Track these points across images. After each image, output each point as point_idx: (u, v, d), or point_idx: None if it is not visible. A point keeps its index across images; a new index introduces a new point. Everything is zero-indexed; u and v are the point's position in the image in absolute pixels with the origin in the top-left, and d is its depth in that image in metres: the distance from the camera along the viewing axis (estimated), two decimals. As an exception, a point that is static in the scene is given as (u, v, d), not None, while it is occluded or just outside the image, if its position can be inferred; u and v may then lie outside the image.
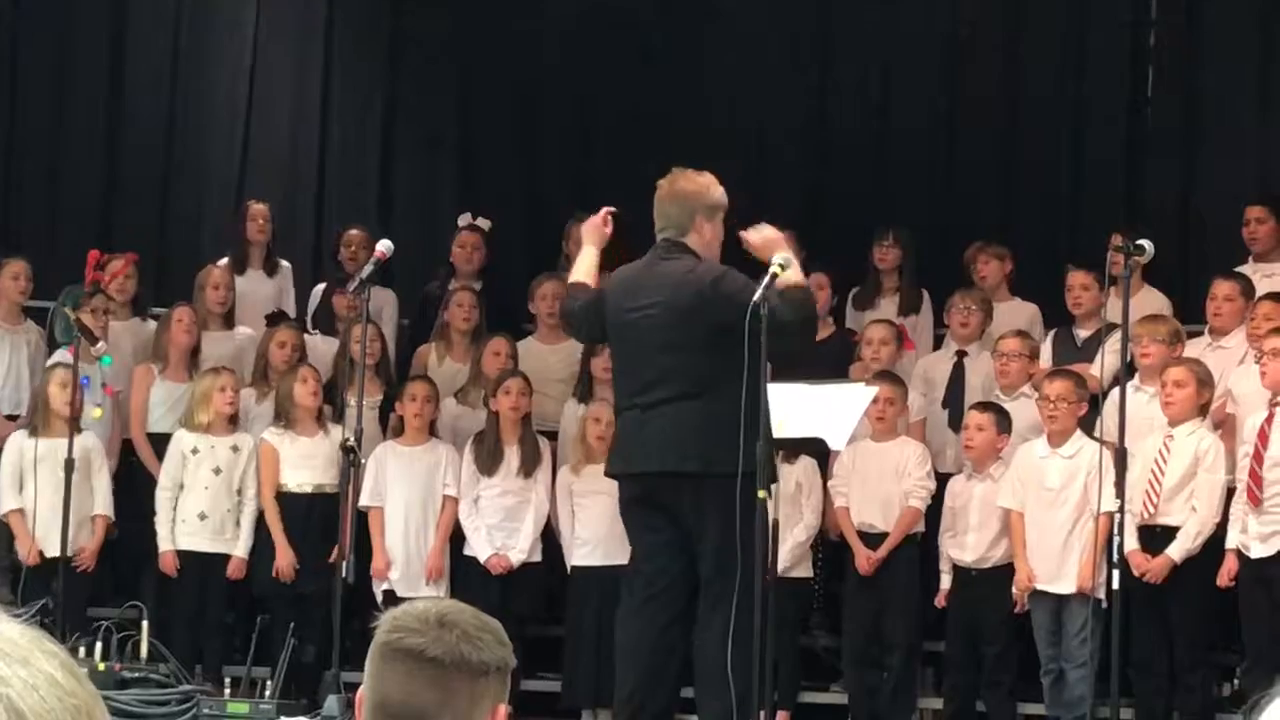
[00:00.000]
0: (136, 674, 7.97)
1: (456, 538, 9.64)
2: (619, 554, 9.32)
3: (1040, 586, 8.87)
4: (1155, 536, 8.67)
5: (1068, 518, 8.85)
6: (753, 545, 6.86)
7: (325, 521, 9.29)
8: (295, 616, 9.04)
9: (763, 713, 7.14)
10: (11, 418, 10.20)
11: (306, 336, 10.36)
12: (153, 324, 10.53)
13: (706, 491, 7.07)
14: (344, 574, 7.91)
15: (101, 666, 7.83)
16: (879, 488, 9.31)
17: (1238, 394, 9.06)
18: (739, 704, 6.98)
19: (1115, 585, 7.56)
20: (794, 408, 7.48)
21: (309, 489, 9.57)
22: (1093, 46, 11.85)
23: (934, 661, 9.59)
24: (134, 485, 9.99)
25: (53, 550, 9.27)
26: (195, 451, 9.62)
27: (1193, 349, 9.23)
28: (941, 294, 10.39)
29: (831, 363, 9.54)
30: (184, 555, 9.57)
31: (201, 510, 9.58)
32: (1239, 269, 9.87)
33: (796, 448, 8.88)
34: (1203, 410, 8.78)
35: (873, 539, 9.25)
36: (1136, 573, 8.49)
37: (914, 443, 9.46)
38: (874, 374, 9.38)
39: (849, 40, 12.10)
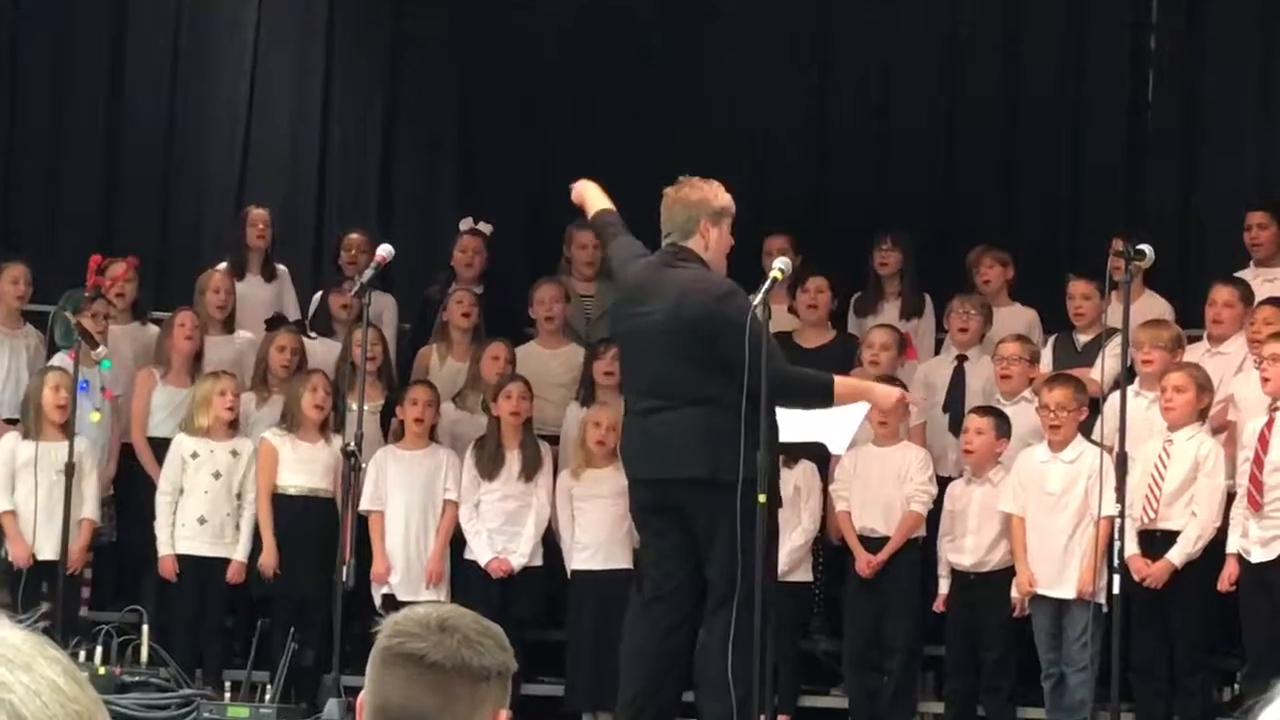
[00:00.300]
0: (137, 678, 7.97)
1: (457, 542, 9.64)
2: (619, 558, 9.35)
3: (1041, 591, 8.87)
4: (1155, 541, 8.68)
5: (1068, 522, 8.85)
6: (753, 550, 6.86)
7: (318, 525, 9.30)
8: (295, 620, 9.04)
9: (763, 717, 7.14)
10: (11, 421, 10.19)
11: (306, 341, 10.35)
12: (152, 328, 10.53)
13: (715, 498, 7.07)
14: (344, 578, 7.90)
15: (102, 671, 7.83)
16: (881, 492, 9.31)
17: (1238, 399, 9.06)
18: (739, 708, 6.98)
19: (1116, 590, 7.56)
20: (795, 413, 7.49)
21: (304, 492, 9.57)
22: (1093, 49, 11.85)
23: (934, 666, 9.59)
24: (135, 490, 9.99)
25: (44, 554, 9.27)
26: (195, 456, 9.62)
27: (1192, 354, 9.23)
28: (941, 298, 10.39)
29: (832, 368, 9.52)
30: (183, 559, 9.57)
31: (201, 514, 9.58)
32: (1239, 274, 9.86)
33: (797, 453, 8.88)
34: (1202, 415, 8.79)
35: (874, 543, 9.25)
36: (1137, 578, 8.49)
37: (916, 447, 9.46)
38: (877, 379, 9.37)
39: (849, 43, 12.09)
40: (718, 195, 7.47)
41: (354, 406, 8.32)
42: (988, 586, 9.08)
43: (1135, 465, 8.17)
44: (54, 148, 12.14)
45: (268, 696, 8.16)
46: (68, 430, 9.22)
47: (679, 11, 12.10)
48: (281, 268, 11.09)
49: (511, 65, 12.12)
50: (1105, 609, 8.02)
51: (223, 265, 10.78)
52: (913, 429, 9.62)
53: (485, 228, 11.00)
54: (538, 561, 9.57)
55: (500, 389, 9.61)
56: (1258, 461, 8.46)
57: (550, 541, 9.60)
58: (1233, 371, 9.28)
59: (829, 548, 9.63)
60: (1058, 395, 8.91)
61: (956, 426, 9.66)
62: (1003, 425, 9.15)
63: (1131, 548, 8.43)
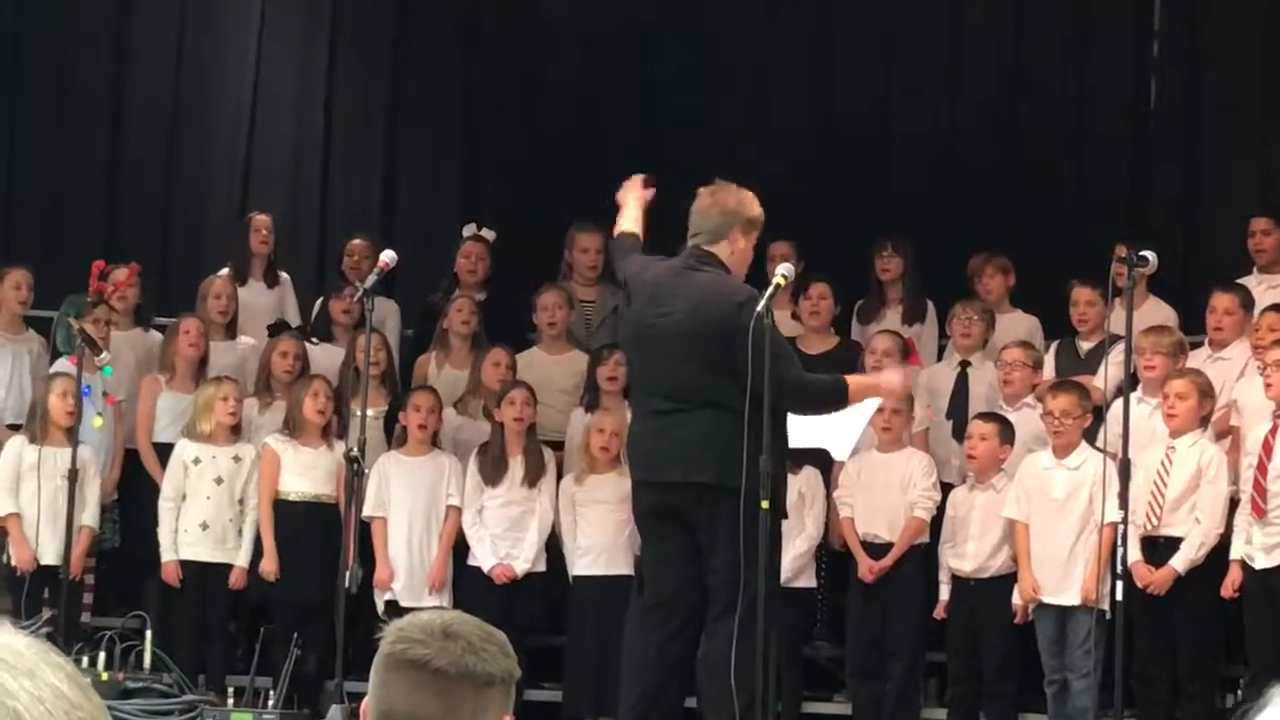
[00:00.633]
0: (140, 684, 7.97)
1: (460, 548, 9.64)
2: (621, 563, 9.35)
3: (1045, 598, 8.86)
4: (1158, 548, 8.67)
5: (1072, 529, 8.85)
6: (756, 557, 6.86)
7: (321, 531, 9.30)
8: (298, 626, 9.04)
9: (766, 723, 7.14)
10: (14, 427, 10.19)
11: (308, 346, 10.35)
12: (155, 334, 10.53)
13: (720, 503, 7.07)
14: (347, 584, 7.90)
15: (105, 677, 7.83)
16: (884, 498, 9.30)
17: (1242, 405, 9.06)
18: (742, 715, 6.98)
19: (1119, 596, 7.55)
20: (800, 419, 7.49)
21: (306, 498, 9.57)
22: (1096, 55, 11.85)
23: (937, 672, 9.58)
24: (138, 495, 9.99)
25: (47, 558, 9.28)
26: (197, 461, 9.63)
27: (1193, 360, 9.23)
28: (944, 304, 10.39)
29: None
30: (186, 565, 9.57)
31: (203, 520, 9.58)
32: (1242, 280, 9.86)
33: (801, 459, 8.87)
34: (1204, 422, 8.79)
35: (877, 550, 9.25)
36: (1140, 585, 8.48)
37: (920, 453, 9.45)
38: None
39: (851, 52, 12.09)
40: (753, 205, 7.51)
41: (357, 412, 8.32)
42: (988, 592, 9.08)
43: (1138, 472, 8.17)
44: (57, 153, 12.14)
45: (270, 702, 8.16)
46: (73, 436, 9.24)
47: (682, 16, 12.10)
48: (284, 275, 11.09)
49: (515, 71, 12.13)
50: (1108, 615, 8.01)
51: (225, 271, 10.78)
52: (916, 435, 9.62)
53: (489, 233, 11.00)
54: (541, 567, 9.57)
55: (504, 395, 9.61)
56: (1261, 468, 8.45)
57: (554, 547, 9.60)
58: (1234, 377, 9.28)
59: (832, 554, 9.63)
60: (1062, 402, 8.90)
61: (959, 432, 9.66)
62: (1006, 431, 9.15)
63: (1134, 554, 8.43)
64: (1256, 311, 9.44)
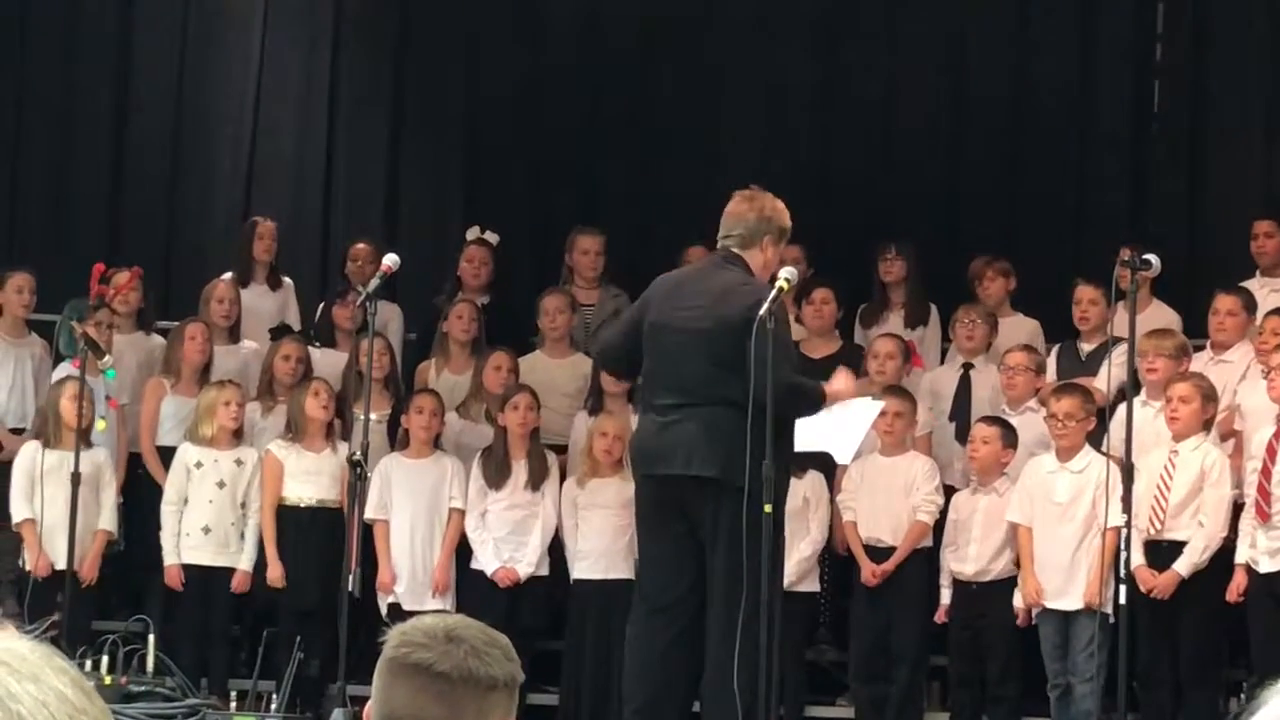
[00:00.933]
0: (143, 687, 7.97)
1: (463, 551, 9.64)
2: (620, 567, 9.36)
3: (1048, 602, 8.86)
4: (1162, 552, 8.66)
5: (1076, 533, 8.84)
6: (759, 559, 6.85)
7: (326, 536, 9.29)
8: (301, 630, 9.03)
9: (769, 727, 7.13)
10: (16, 431, 10.19)
11: (313, 352, 10.35)
12: (156, 338, 10.52)
13: (722, 501, 7.06)
14: (350, 587, 7.90)
15: (108, 680, 7.83)
16: (887, 502, 9.30)
17: (1246, 409, 9.06)
18: (745, 718, 6.97)
19: (1122, 600, 7.55)
20: (802, 422, 7.49)
21: (311, 503, 9.57)
22: (1098, 59, 11.85)
23: (940, 676, 9.58)
24: (141, 499, 9.99)
25: (62, 564, 9.27)
26: (199, 465, 9.62)
27: (1195, 363, 9.25)
28: (947, 307, 10.39)
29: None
30: (188, 569, 9.56)
31: (205, 524, 9.58)
32: (1245, 283, 9.86)
33: (805, 462, 8.87)
34: (1207, 425, 8.79)
35: (881, 553, 9.24)
36: (1144, 589, 8.48)
37: (923, 457, 9.45)
38: (884, 388, 9.37)
39: (853, 54, 12.09)
40: (786, 216, 7.58)
41: (360, 416, 8.32)
42: (990, 596, 9.07)
43: (1141, 475, 8.17)
44: (60, 157, 12.14)
45: (273, 706, 8.16)
46: (85, 439, 9.30)
47: (686, 19, 12.10)
48: (287, 280, 11.09)
49: (517, 74, 12.13)
50: (1112, 619, 8.01)
51: (228, 275, 10.77)
52: (919, 439, 9.62)
53: (492, 237, 11.00)
54: (544, 571, 9.56)
55: (507, 399, 9.61)
56: (1265, 472, 8.45)
57: (557, 551, 9.60)
58: (1236, 380, 9.28)
59: (835, 558, 9.62)
60: (1065, 405, 8.90)
61: (962, 436, 9.66)
62: (1009, 435, 9.15)
63: (1138, 558, 8.43)
64: (1260, 315, 9.44)
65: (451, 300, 10.68)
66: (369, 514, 9.22)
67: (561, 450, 9.91)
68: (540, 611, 9.65)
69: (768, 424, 6.83)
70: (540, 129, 12.19)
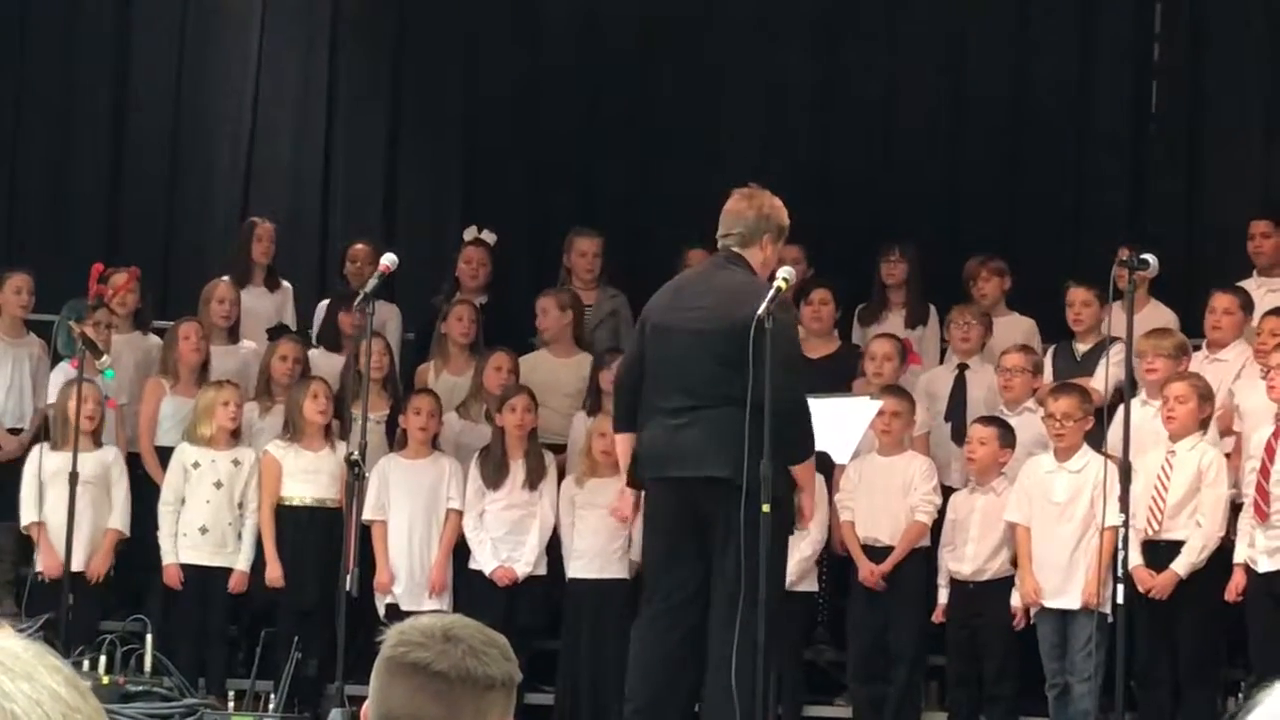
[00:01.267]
0: (141, 687, 7.97)
1: (461, 552, 9.64)
2: (615, 568, 9.37)
3: (1046, 602, 8.86)
4: (1160, 551, 8.66)
5: (1074, 532, 8.84)
6: (756, 559, 6.85)
7: (324, 536, 9.29)
8: (299, 630, 9.03)
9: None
10: (14, 431, 10.20)
11: (310, 352, 10.35)
12: (153, 338, 10.53)
13: (733, 502, 7.05)
14: (348, 587, 7.90)
15: (106, 680, 7.83)
16: (885, 502, 9.30)
17: (1244, 409, 9.06)
18: (743, 718, 6.97)
19: (1120, 600, 7.55)
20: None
21: (310, 502, 9.57)
22: (1097, 59, 11.85)
23: (938, 675, 9.58)
24: (140, 499, 9.99)
25: (74, 565, 9.27)
26: (196, 465, 9.62)
27: (1191, 362, 9.24)
28: (946, 307, 10.39)
29: (837, 378, 9.54)
30: (186, 569, 9.57)
31: (202, 524, 9.58)
32: (1242, 283, 9.86)
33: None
34: (1204, 425, 8.79)
35: (878, 553, 9.24)
36: (1142, 589, 8.48)
37: (920, 457, 9.45)
38: (881, 388, 9.37)
39: (852, 53, 12.09)
40: (784, 214, 7.54)
41: (359, 416, 8.31)
42: (988, 595, 9.07)
43: (1139, 475, 8.16)
44: (58, 158, 12.15)
45: (271, 706, 8.16)
46: (95, 440, 9.36)
47: (685, 19, 12.10)
48: (286, 284, 11.09)
49: (515, 74, 12.13)
50: (1110, 619, 8.01)
51: (225, 277, 10.76)
52: (916, 438, 9.61)
53: (489, 236, 11.00)
54: (542, 570, 9.57)
55: (505, 400, 9.60)
56: (1264, 472, 8.45)
57: (555, 551, 9.60)
58: (1231, 379, 9.29)
59: (833, 558, 9.62)
60: (1063, 404, 8.90)
61: (958, 435, 9.66)
62: (1006, 435, 9.15)
63: (1136, 558, 8.43)
64: (1257, 315, 9.45)
65: (449, 300, 10.68)
66: (367, 514, 9.22)
67: (562, 449, 9.91)
68: (538, 611, 9.65)
69: (765, 422, 6.82)
70: (538, 129, 12.19)
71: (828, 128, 12.14)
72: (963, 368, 10.02)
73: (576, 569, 9.49)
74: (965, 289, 10.42)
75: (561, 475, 9.71)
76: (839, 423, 7.86)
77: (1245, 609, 8.56)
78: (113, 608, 9.93)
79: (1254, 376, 9.10)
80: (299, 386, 9.72)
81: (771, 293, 6.99)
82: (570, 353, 10.33)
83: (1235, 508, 8.70)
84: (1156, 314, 9.74)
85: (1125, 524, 7.60)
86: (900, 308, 10.60)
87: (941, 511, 9.31)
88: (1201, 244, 11.42)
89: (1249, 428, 8.91)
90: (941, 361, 10.39)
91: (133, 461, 10.07)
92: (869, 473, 9.34)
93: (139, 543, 9.83)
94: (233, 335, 10.52)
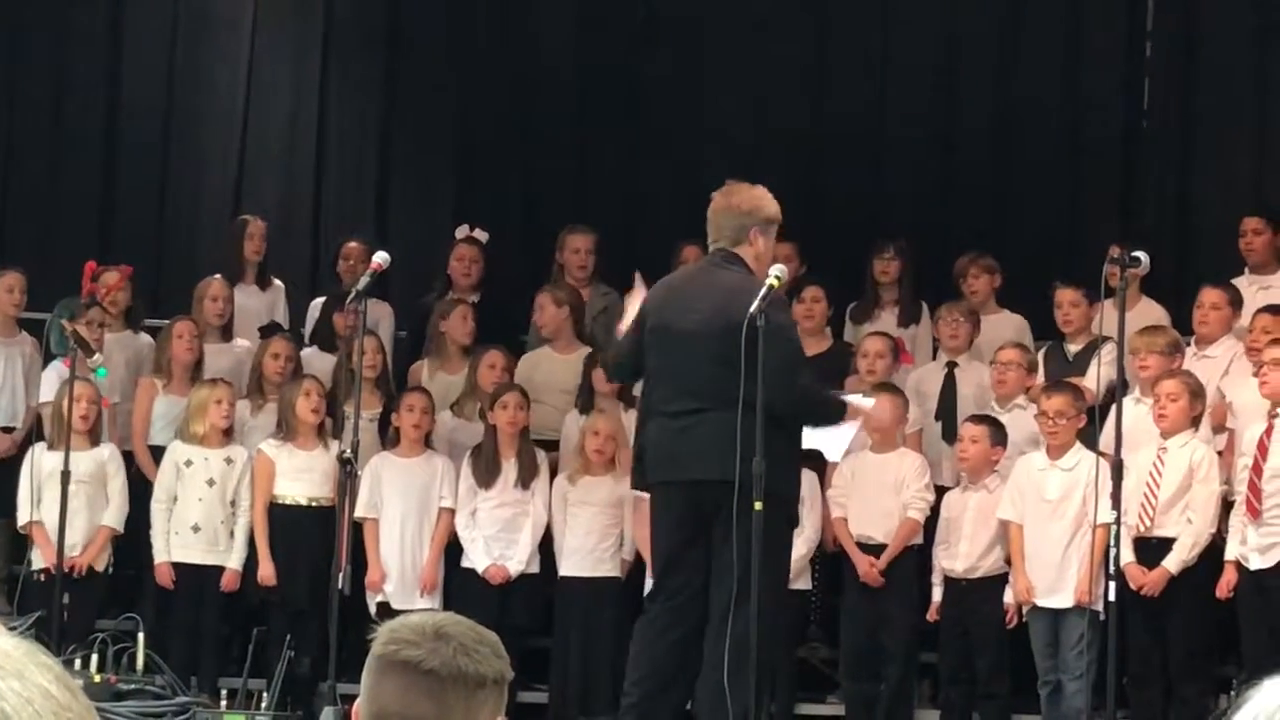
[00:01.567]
0: (133, 686, 7.96)
1: (453, 550, 9.63)
2: (606, 565, 9.38)
3: (1038, 600, 8.86)
4: (1151, 549, 8.67)
5: (1066, 530, 8.85)
6: (748, 558, 6.85)
7: (317, 534, 9.28)
8: (291, 628, 9.03)
9: (759, 725, 7.13)
10: (7, 429, 10.19)
11: (304, 350, 10.35)
12: (145, 336, 10.53)
13: (737, 503, 7.04)
14: (340, 586, 7.89)
15: (97, 678, 7.82)
16: (878, 500, 9.30)
17: (1236, 405, 9.07)
18: (735, 715, 6.97)
19: (1112, 597, 7.55)
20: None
21: (303, 501, 9.57)
22: (1089, 58, 11.86)
23: (930, 673, 9.58)
24: (133, 497, 9.98)
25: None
26: (189, 464, 9.62)
27: (1184, 360, 9.25)
28: (936, 306, 10.39)
29: (829, 376, 9.53)
30: (178, 567, 9.57)
31: (195, 522, 9.58)
32: (1234, 280, 9.87)
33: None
34: (1195, 422, 8.79)
35: (871, 551, 9.24)
36: (1134, 586, 8.49)
37: (913, 454, 9.45)
38: (874, 385, 9.37)
39: (846, 53, 12.10)
40: (767, 204, 7.48)
41: (351, 415, 8.31)
42: (981, 593, 9.08)
43: (1130, 473, 8.17)
44: (51, 156, 12.13)
45: (264, 704, 8.15)
46: (93, 438, 9.41)
47: (677, 18, 12.10)
48: (278, 282, 11.08)
49: (507, 73, 12.13)
50: (1102, 616, 8.01)
51: (217, 275, 10.75)
52: (909, 436, 9.62)
53: (482, 235, 11.00)
54: (534, 568, 9.57)
55: (497, 398, 9.60)
56: (1256, 469, 8.45)
57: (547, 549, 9.60)
58: (1219, 375, 9.29)
59: (825, 556, 9.62)
60: (1056, 403, 8.91)
61: (949, 433, 9.67)
62: (998, 433, 9.15)
63: (1128, 555, 8.43)
64: (1250, 312, 9.45)
65: (441, 299, 10.68)
66: (359, 512, 9.21)
67: (559, 446, 9.92)
68: (531, 609, 9.65)
69: (758, 421, 6.82)
70: (530, 127, 12.19)
71: (819, 125, 12.13)
72: (952, 365, 10.02)
73: (569, 567, 9.50)
74: (956, 286, 10.42)
75: (554, 473, 9.71)
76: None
77: (1237, 606, 8.56)
78: (107, 606, 9.93)
79: (1244, 373, 9.11)
80: (291, 385, 9.72)
81: (764, 291, 6.98)
82: (572, 349, 10.30)
83: (1226, 504, 8.71)
84: (1148, 311, 9.75)
85: (1117, 521, 7.61)
86: (892, 306, 10.61)
87: (935, 509, 9.31)
88: (1194, 241, 11.43)
89: (1241, 424, 8.91)
90: (934, 359, 10.39)
91: (126, 460, 10.07)
92: (862, 470, 9.34)
93: (132, 541, 9.82)
94: (226, 333, 10.52)
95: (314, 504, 9.53)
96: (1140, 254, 7.77)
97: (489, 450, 9.60)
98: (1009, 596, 8.98)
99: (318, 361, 10.29)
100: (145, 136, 12.18)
